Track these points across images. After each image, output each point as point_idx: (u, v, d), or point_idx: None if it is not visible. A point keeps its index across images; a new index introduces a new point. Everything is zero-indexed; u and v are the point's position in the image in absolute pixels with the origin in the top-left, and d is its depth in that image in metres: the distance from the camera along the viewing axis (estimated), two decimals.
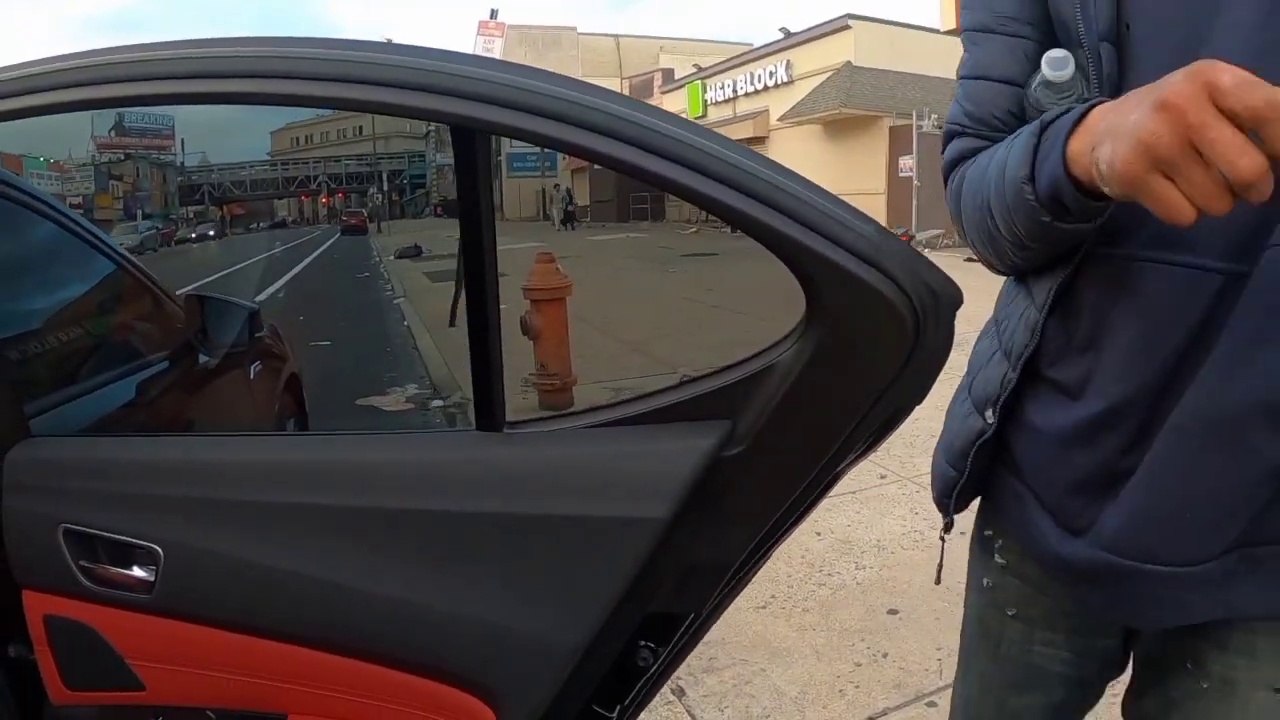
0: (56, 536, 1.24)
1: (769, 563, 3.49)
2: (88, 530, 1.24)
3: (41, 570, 1.27)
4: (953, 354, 1.02)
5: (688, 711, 2.62)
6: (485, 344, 1.10)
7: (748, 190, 0.95)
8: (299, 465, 1.25)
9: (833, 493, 3.67)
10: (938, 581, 1.31)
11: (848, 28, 24.01)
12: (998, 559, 1.21)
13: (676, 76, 35.03)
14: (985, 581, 1.25)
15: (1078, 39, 0.94)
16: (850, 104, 22.09)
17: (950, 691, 1.78)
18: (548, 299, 4.31)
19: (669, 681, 2.68)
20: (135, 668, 1.29)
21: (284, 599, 1.22)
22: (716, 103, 30.19)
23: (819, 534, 3.87)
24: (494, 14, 23.85)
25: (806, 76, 24.98)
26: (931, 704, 2.61)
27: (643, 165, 0.96)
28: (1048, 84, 0.93)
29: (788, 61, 26.21)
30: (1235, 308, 0.85)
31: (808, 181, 0.99)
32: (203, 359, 2.39)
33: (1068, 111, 0.84)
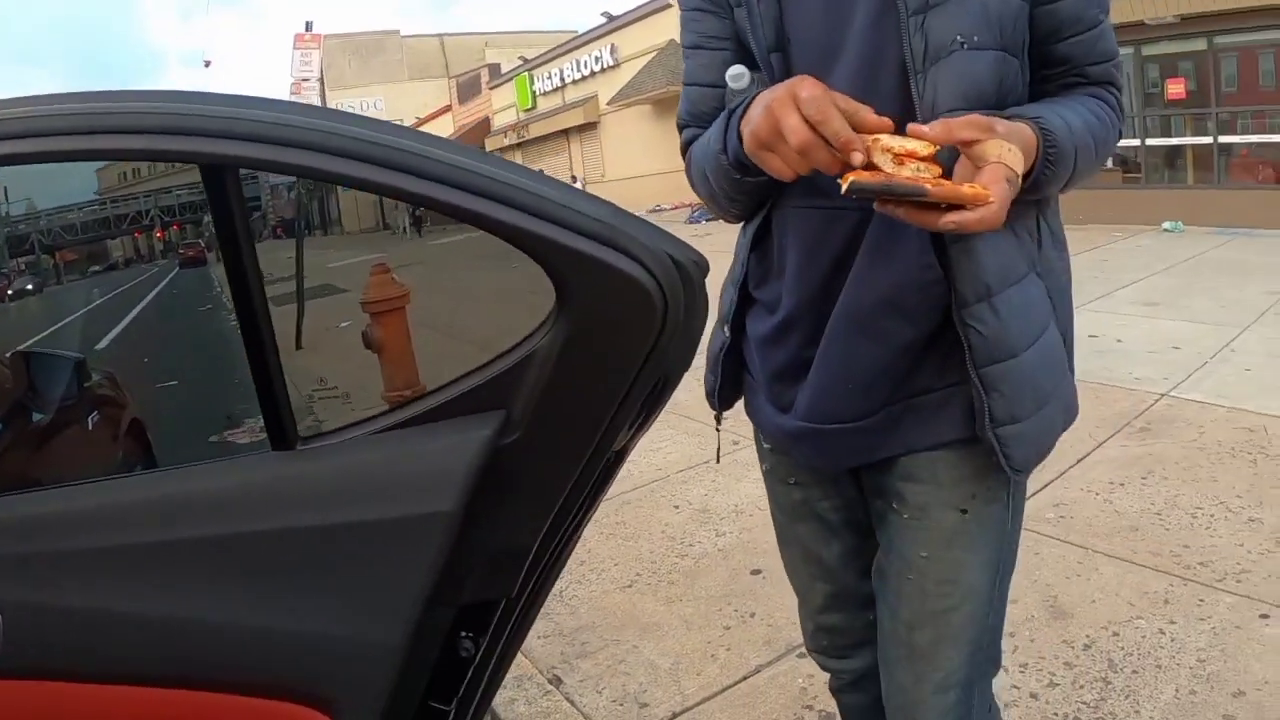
0: None
1: (631, 542, 3.50)
2: None
3: None
4: None
5: (566, 698, 2.64)
6: (265, 365, 1.13)
7: (480, 190, 1.02)
8: (111, 507, 1.22)
9: (689, 464, 3.73)
10: (717, 461, 1.79)
11: (669, 6, 24.18)
12: (765, 445, 1.51)
13: (503, 70, 34.76)
14: (765, 466, 1.54)
15: (756, 48, 1.25)
16: (677, 80, 22.21)
17: None
18: (386, 310, 4.21)
19: (545, 672, 2.66)
20: None
21: (119, 642, 1.19)
22: (545, 93, 30.12)
23: (676, 507, 3.94)
24: (309, 26, 23.34)
25: (632, 58, 25.11)
26: (802, 655, 2.66)
27: (372, 179, 1.03)
28: (731, 91, 1.20)
29: (612, 45, 26.33)
30: (864, 236, 1.22)
31: (540, 175, 1.08)
32: (36, 417, 2.27)
33: (744, 103, 1.15)
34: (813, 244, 1.26)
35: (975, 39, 1.14)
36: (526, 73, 31.18)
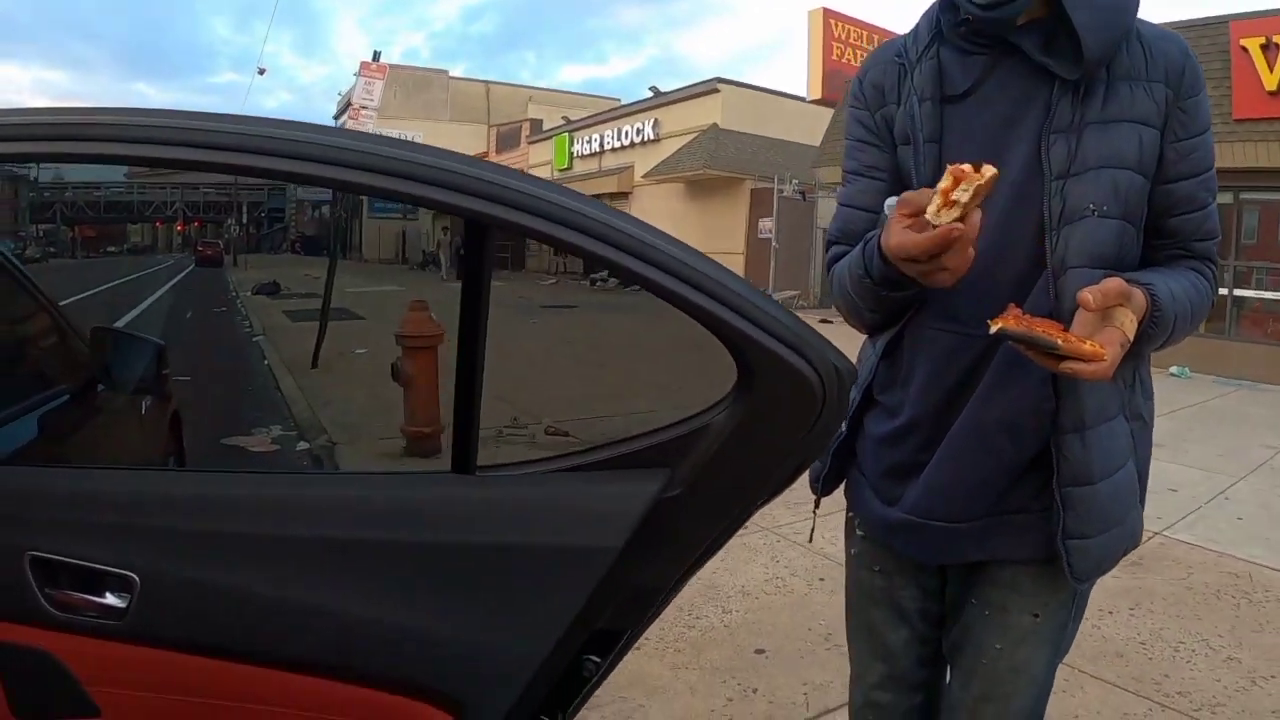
0: (22, 564, 1.25)
1: None
2: (58, 559, 1.26)
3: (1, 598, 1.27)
4: None
5: None
6: (469, 397, 1.26)
7: (703, 288, 1.17)
8: (284, 500, 1.33)
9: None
10: (810, 540, 1.92)
11: (716, 91, 24.71)
12: (858, 531, 1.70)
13: (545, 127, 35.28)
14: (853, 550, 1.73)
15: (913, 184, 1.42)
16: (714, 165, 22.63)
17: None
18: (420, 346, 4.35)
19: None
20: (92, 694, 1.30)
21: (261, 623, 1.29)
22: (582, 156, 30.49)
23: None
24: (377, 56, 23.60)
25: (673, 136, 25.50)
26: None
27: (634, 269, 1.17)
28: (884, 218, 1.37)
29: (655, 120, 26.74)
30: (990, 361, 1.41)
31: (742, 279, 1.22)
32: (106, 391, 2.39)
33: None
34: (942, 362, 1.45)
35: (1105, 208, 1.35)
36: (568, 133, 31.62)
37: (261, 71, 38.84)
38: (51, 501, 1.32)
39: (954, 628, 1.62)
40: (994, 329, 1.21)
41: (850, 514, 1.72)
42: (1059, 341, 1.20)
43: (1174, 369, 11.74)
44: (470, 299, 1.25)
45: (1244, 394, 10.61)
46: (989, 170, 1.17)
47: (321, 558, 1.29)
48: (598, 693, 2.92)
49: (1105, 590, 3.90)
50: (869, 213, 1.54)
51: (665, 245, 1.18)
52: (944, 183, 1.19)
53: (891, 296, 1.42)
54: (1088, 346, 1.21)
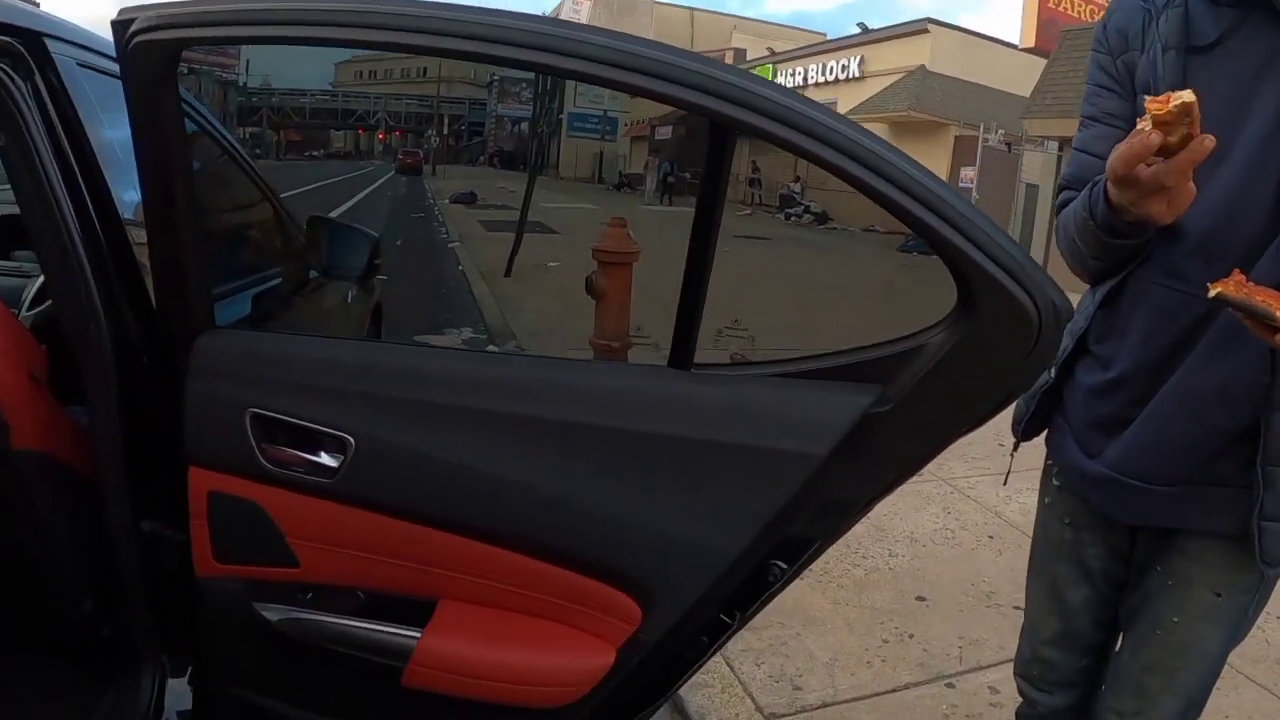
0: (243, 420, 1.36)
1: None
2: (278, 416, 1.37)
3: (218, 450, 1.39)
4: None
5: (727, 662, 2.78)
6: (694, 298, 1.30)
7: (936, 210, 1.17)
8: (503, 379, 1.41)
9: None
10: (1005, 483, 1.93)
11: (926, 31, 23.83)
12: (1054, 480, 1.67)
13: (749, 58, 34.81)
14: (1047, 499, 1.70)
15: None
16: (920, 108, 21.93)
17: (967, 677, 2.11)
18: (616, 262, 4.41)
19: None
20: (295, 546, 1.42)
21: (468, 495, 1.37)
22: None
23: None
24: None
25: (878, 75, 24.81)
26: (950, 685, 2.77)
27: (874, 185, 1.18)
28: None
29: (861, 57, 26.03)
30: (1211, 323, 1.34)
31: (973, 205, 1.23)
32: (315, 276, 2.53)
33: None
34: (1162, 319, 1.40)
35: None
36: (772, 65, 31.12)
37: None
38: (277, 363, 1.41)
39: (1134, 593, 1.59)
40: (1212, 292, 1.18)
41: (1049, 462, 1.69)
42: (1278, 313, 1.15)
43: None
44: (707, 198, 1.27)
45: None
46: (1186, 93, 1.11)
47: (532, 437, 1.34)
48: (758, 617, 2.98)
49: (1276, 594, 3.66)
50: (1104, 160, 1.45)
51: (901, 162, 1.18)
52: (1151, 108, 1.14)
53: (1114, 244, 1.37)
54: None
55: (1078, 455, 1.55)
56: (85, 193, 1.51)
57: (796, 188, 27.19)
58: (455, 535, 1.38)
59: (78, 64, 1.65)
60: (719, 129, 1.24)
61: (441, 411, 1.37)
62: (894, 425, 1.28)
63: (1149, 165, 1.17)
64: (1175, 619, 1.50)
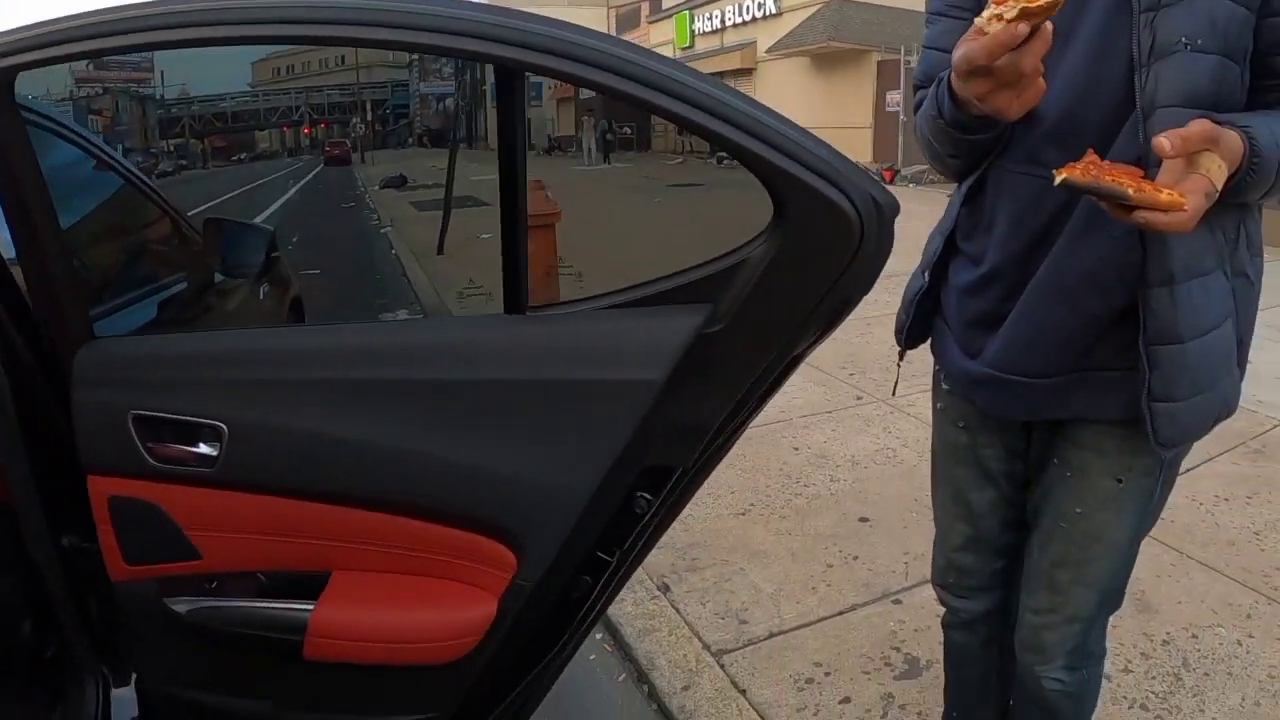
0: (126, 422, 1.40)
1: (750, 474, 3.68)
2: (156, 414, 1.40)
3: (109, 455, 1.42)
4: None
5: (672, 605, 2.83)
6: (514, 241, 1.32)
7: (731, 120, 1.18)
8: (350, 348, 1.43)
9: (811, 412, 3.93)
10: (894, 394, 1.94)
11: None
12: (944, 385, 1.65)
13: (664, 6, 34.51)
14: (939, 405, 1.69)
15: None
16: (839, 37, 21.86)
17: (913, 592, 2.38)
18: (537, 225, 4.41)
19: (655, 579, 2.91)
20: (193, 538, 1.45)
21: (335, 464, 1.40)
22: (704, 33, 29.77)
23: (796, 449, 4.08)
24: None
25: (795, 9, 24.63)
26: (897, 601, 2.84)
27: (658, 103, 1.18)
28: None
29: None
30: (1075, 207, 1.31)
31: (776, 113, 1.22)
32: (220, 278, 2.54)
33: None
34: (1025, 208, 1.38)
35: (1199, 42, 1.22)
36: (688, 10, 30.86)
37: None
38: (149, 364, 1.45)
39: (1036, 490, 1.59)
40: (1059, 179, 1.12)
41: (936, 368, 1.67)
42: (1129, 191, 1.09)
43: None
44: (507, 145, 1.29)
45: None
46: None
47: (387, 400, 1.38)
48: (697, 555, 3.05)
49: (1222, 477, 3.78)
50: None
51: (691, 80, 1.19)
52: (988, 10, 1.11)
53: (965, 139, 1.35)
54: (1164, 196, 1.10)
55: (959, 357, 1.54)
56: None
57: None
58: (331, 506, 1.42)
59: None
60: (503, 72, 1.25)
61: (297, 387, 1.40)
62: (729, 342, 1.29)
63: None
64: (1077, 510, 1.50)
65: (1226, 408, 1.45)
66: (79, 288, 1.47)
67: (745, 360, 1.33)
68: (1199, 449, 3.90)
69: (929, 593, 2.80)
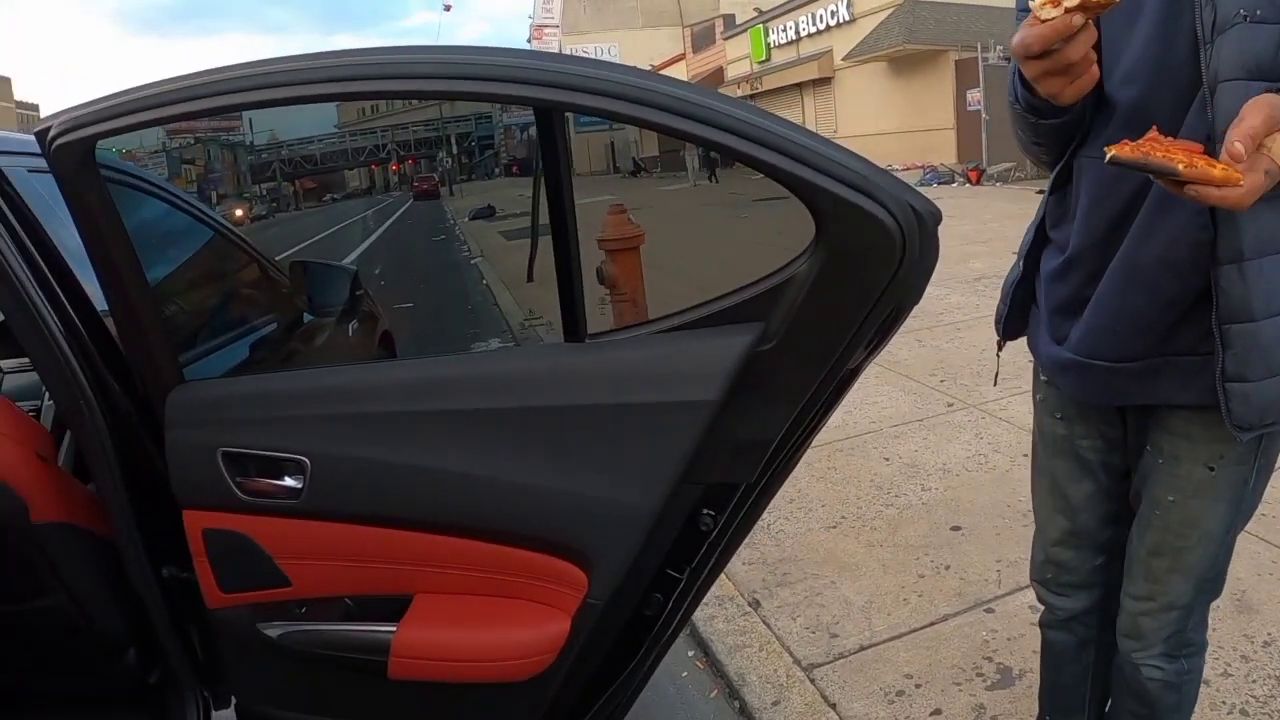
0: (216, 459, 1.50)
1: (840, 487, 3.65)
2: (243, 451, 1.50)
3: (201, 490, 1.53)
4: None
5: (763, 620, 2.84)
6: (569, 272, 1.38)
7: (763, 141, 1.21)
8: (422, 381, 1.50)
9: (903, 420, 3.91)
10: (995, 384, 2.01)
11: None
12: (1041, 376, 1.66)
13: (738, 22, 34.55)
14: (1039, 395, 1.70)
15: None
16: (914, 39, 21.71)
17: (1006, 600, 2.41)
18: (621, 248, 4.47)
19: (746, 595, 2.93)
20: (283, 567, 1.55)
21: (413, 492, 1.47)
22: (780, 45, 29.76)
23: (887, 459, 4.06)
24: None
25: (868, 14, 24.52)
26: (989, 610, 2.80)
27: (688, 130, 1.22)
28: None
29: (848, 1, 25.80)
30: (1148, 192, 1.32)
31: (808, 131, 1.25)
32: (307, 318, 2.65)
33: None
34: (1102, 192, 1.39)
35: (1258, 12, 1.22)
36: (761, 25, 30.85)
37: (447, 8, 39.77)
38: (235, 404, 1.55)
39: (1134, 479, 1.60)
40: (1108, 156, 1.13)
41: (1032, 359, 1.68)
42: (1179, 166, 1.10)
43: None
44: (552, 180, 1.34)
45: None
46: None
47: (457, 429, 1.44)
48: (788, 569, 3.06)
49: None
50: None
51: (722, 106, 1.22)
52: None
53: (1042, 124, 1.38)
54: (1218, 171, 1.10)
55: (1048, 344, 1.56)
56: (54, 282, 1.64)
57: None
58: (410, 532, 1.49)
59: (29, 170, 1.78)
60: (541, 114, 1.31)
61: (372, 420, 1.48)
62: (782, 359, 1.32)
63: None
64: (1170, 498, 1.51)
65: None
66: (167, 337, 1.57)
67: (800, 375, 1.36)
68: None
69: (1022, 600, 2.81)
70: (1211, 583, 1.60)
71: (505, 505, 1.45)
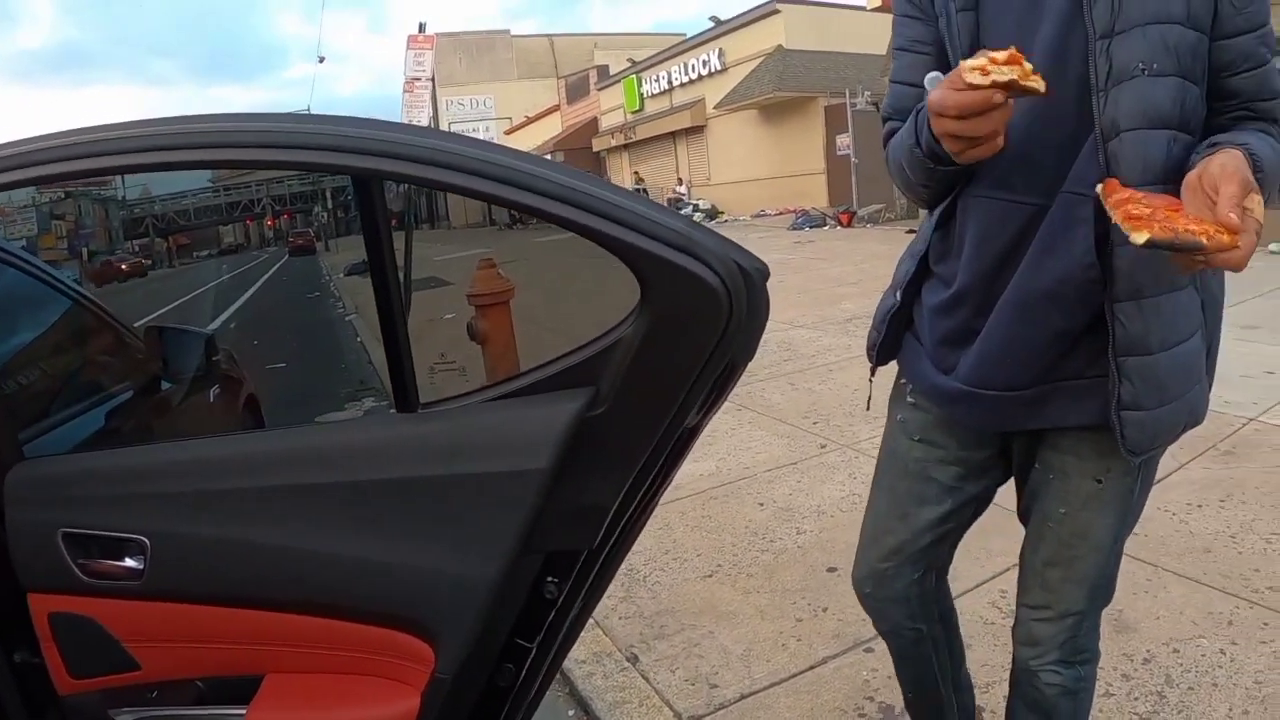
0: (56, 540, 1.43)
1: (715, 535, 3.62)
2: (83, 531, 1.43)
3: (44, 572, 1.45)
4: None
5: (642, 675, 2.79)
6: (395, 340, 1.34)
7: (581, 205, 1.20)
8: (255, 456, 1.46)
9: (776, 464, 3.90)
10: (867, 408, 1.90)
11: (777, 12, 24.27)
12: (909, 399, 1.70)
13: (612, 72, 35.05)
14: (899, 416, 1.73)
15: (951, 56, 1.42)
16: (784, 86, 22.33)
17: None
18: (491, 303, 4.41)
19: (624, 650, 2.86)
20: (131, 650, 1.48)
21: (254, 570, 1.42)
22: (653, 95, 30.28)
23: (761, 504, 4.07)
24: (422, 28, 24.04)
25: (740, 63, 25.19)
26: (869, 649, 2.80)
27: (504, 196, 1.21)
28: (927, 92, 1.29)
29: (720, 49, 26.43)
30: (1038, 229, 1.39)
31: (627, 192, 1.26)
32: (165, 385, 2.53)
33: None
34: (990, 230, 1.45)
35: (1155, 66, 1.30)
36: (635, 75, 31.38)
37: (321, 60, 39.87)
38: (73, 482, 1.49)
39: (1024, 494, 1.67)
40: (1141, 240, 1.13)
41: (903, 381, 1.73)
42: (1204, 241, 1.13)
43: (1273, 246, 10.95)
44: (374, 250, 1.32)
45: None
46: (1038, 81, 1.16)
47: (291, 504, 1.40)
48: (665, 622, 3.00)
49: (1193, 483, 3.79)
50: (917, 88, 1.48)
51: (538, 169, 1.22)
52: (979, 59, 1.17)
53: (939, 170, 1.41)
54: (1227, 238, 1.14)
55: (933, 373, 1.60)
56: None
57: (682, 189, 27.52)
58: (253, 610, 1.44)
59: None
60: (360, 182, 1.29)
61: (208, 497, 1.43)
62: (614, 422, 1.31)
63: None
64: (1061, 510, 1.58)
65: (1194, 416, 1.52)
66: (5, 414, 1.53)
67: (634, 439, 1.34)
68: (1168, 456, 3.91)
69: None
70: (1104, 589, 1.66)
71: (345, 580, 1.41)
